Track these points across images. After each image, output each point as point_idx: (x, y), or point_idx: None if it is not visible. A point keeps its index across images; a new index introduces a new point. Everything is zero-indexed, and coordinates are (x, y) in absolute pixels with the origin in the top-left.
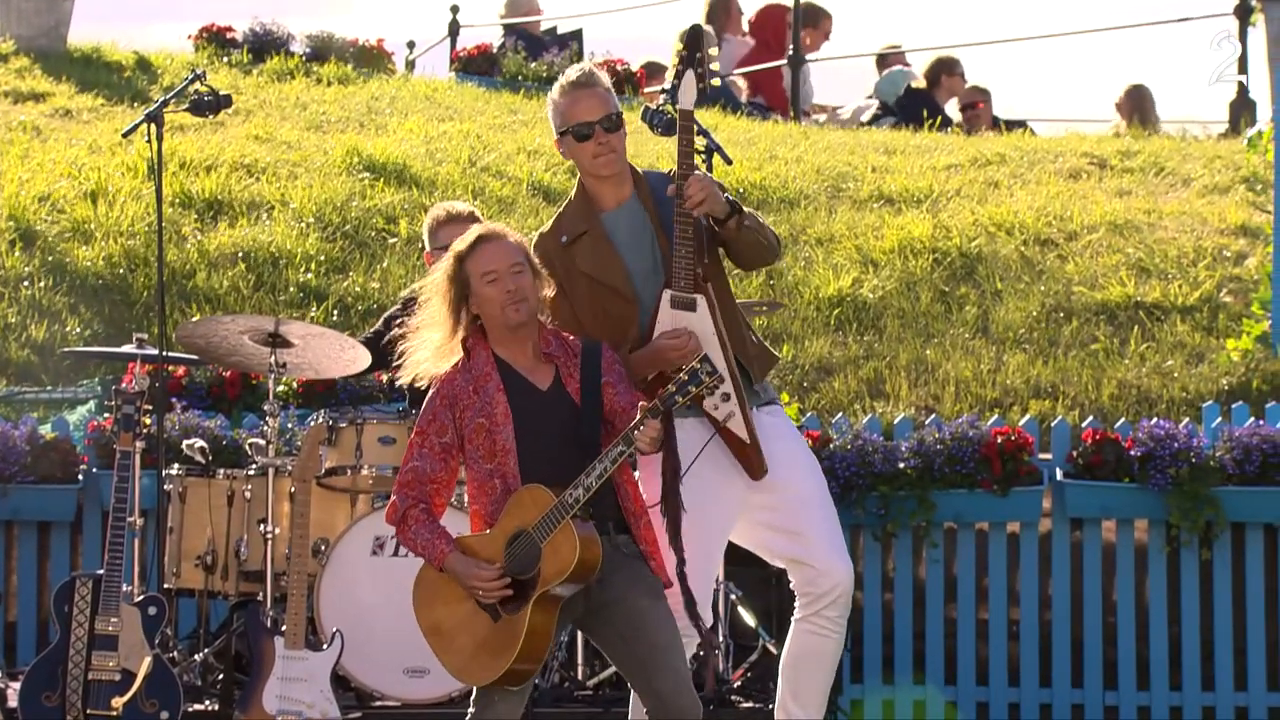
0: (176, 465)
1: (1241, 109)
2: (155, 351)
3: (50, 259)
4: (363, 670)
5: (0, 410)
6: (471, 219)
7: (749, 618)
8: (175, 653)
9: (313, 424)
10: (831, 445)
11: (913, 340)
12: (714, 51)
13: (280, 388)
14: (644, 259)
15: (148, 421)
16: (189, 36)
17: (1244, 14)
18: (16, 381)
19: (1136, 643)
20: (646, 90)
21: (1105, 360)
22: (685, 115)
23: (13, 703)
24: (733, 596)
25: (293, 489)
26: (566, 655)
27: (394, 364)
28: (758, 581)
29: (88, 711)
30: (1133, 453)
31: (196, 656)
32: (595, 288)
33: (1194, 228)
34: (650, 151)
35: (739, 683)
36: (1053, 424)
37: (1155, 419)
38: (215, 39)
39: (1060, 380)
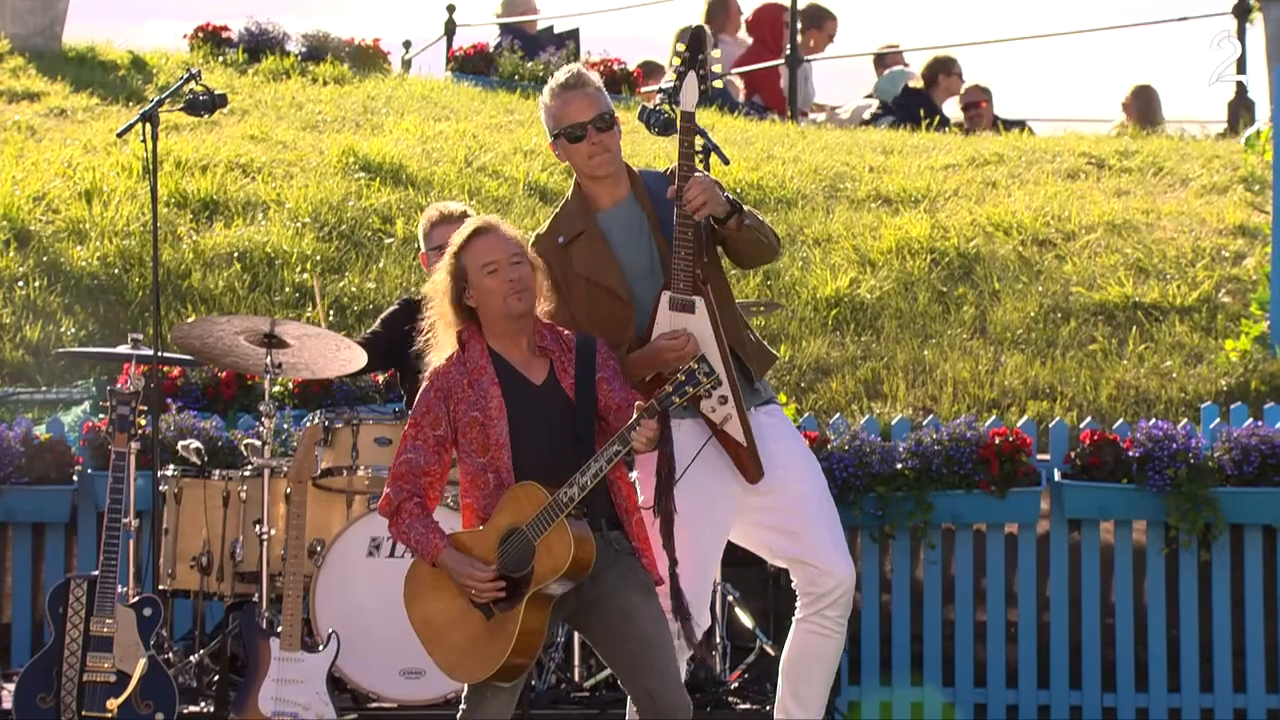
0: (172, 466)
1: (1240, 109)
2: (150, 352)
3: (45, 259)
4: (359, 671)
5: None
6: (466, 219)
7: (746, 619)
8: (170, 654)
9: (308, 425)
10: (829, 446)
11: (910, 341)
12: (716, 53)
13: (276, 388)
14: (640, 259)
15: (143, 422)
16: (184, 36)
17: (1242, 13)
18: (11, 382)
19: (1135, 644)
20: (643, 90)
21: (1103, 361)
22: (686, 117)
23: (7, 704)
24: (730, 598)
25: (288, 490)
26: (563, 657)
27: (419, 371)
28: (755, 582)
29: (82, 713)
30: (1131, 454)
31: (192, 658)
32: (591, 288)
33: (1192, 228)
34: (647, 151)
35: (736, 684)
36: (1051, 425)
37: (1153, 420)
38: (210, 38)
39: (1058, 381)
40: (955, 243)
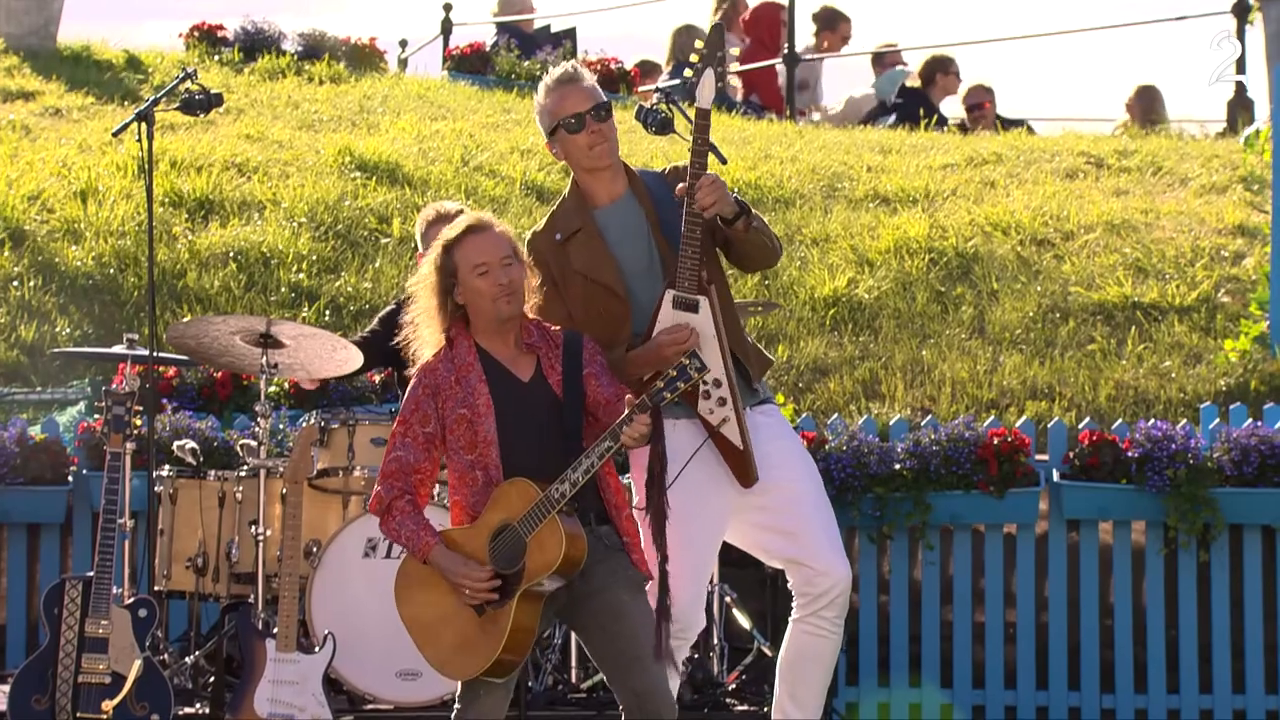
0: (167, 467)
1: (1239, 108)
2: (146, 352)
3: (40, 259)
4: (355, 673)
5: None
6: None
7: (744, 620)
8: (166, 655)
9: (304, 425)
10: (827, 446)
11: (909, 341)
12: (735, 51)
13: (272, 389)
14: (638, 257)
15: (138, 422)
16: (180, 35)
17: (1241, 13)
18: (6, 382)
19: (1134, 645)
20: (641, 89)
21: (1102, 361)
22: (702, 114)
23: (2, 706)
24: (728, 599)
25: (284, 490)
26: (560, 658)
27: (406, 367)
28: (753, 583)
29: (77, 715)
30: (1130, 454)
31: (187, 659)
32: (589, 285)
33: (1191, 227)
34: (645, 150)
35: (734, 685)
36: (1049, 425)
37: (1153, 420)
38: (206, 37)
39: (1057, 381)
40: (954, 242)
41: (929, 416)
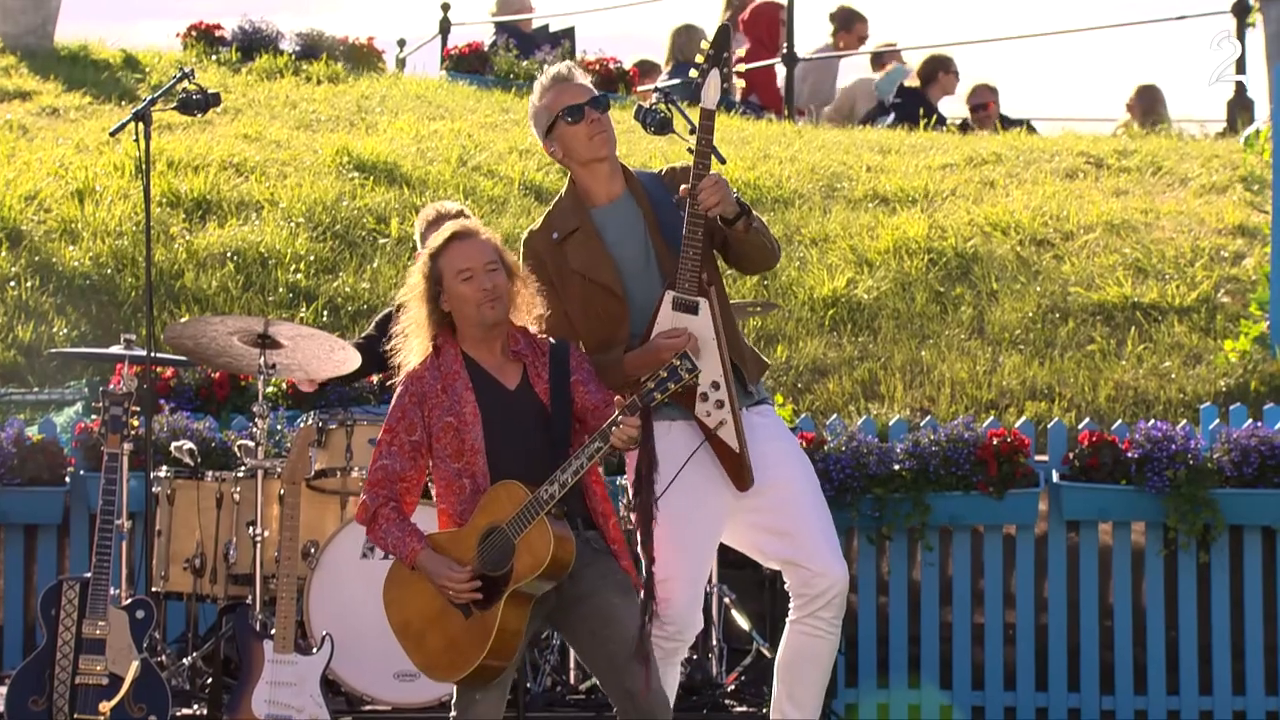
0: (165, 467)
1: (1239, 108)
2: (143, 352)
3: (37, 259)
4: (353, 674)
5: None
6: (462, 219)
7: (743, 621)
8: (163, 656)
9: (302, 426)
10: (826, 447)
11: (908, 341)
12: (741, 52)
13: (269, 389)
14: (636, 257)
15: (135, 423)
16: (177, 34)
17: (1242, 13)
18: (3, 383)
19: (1134, 646)
20: (639, 89)
21: (1102, 361)
22: (706, 115)
23: None
24: (726, 600)
25: (282, 491)
26: (559, 659)
27: (392, 372)
28: (752, 584)
29: (75, 716)
30: (1130, 455)
31: (185, 660)
32: (587, 285)
33: (1191, 228)
34: (644, 150)
35: (733, 686)
36: (1049, 426)
37: (1152, 421)
38: (204, 37)
39: (1057, 382)
40: (953, 243)
41: (928, 417)
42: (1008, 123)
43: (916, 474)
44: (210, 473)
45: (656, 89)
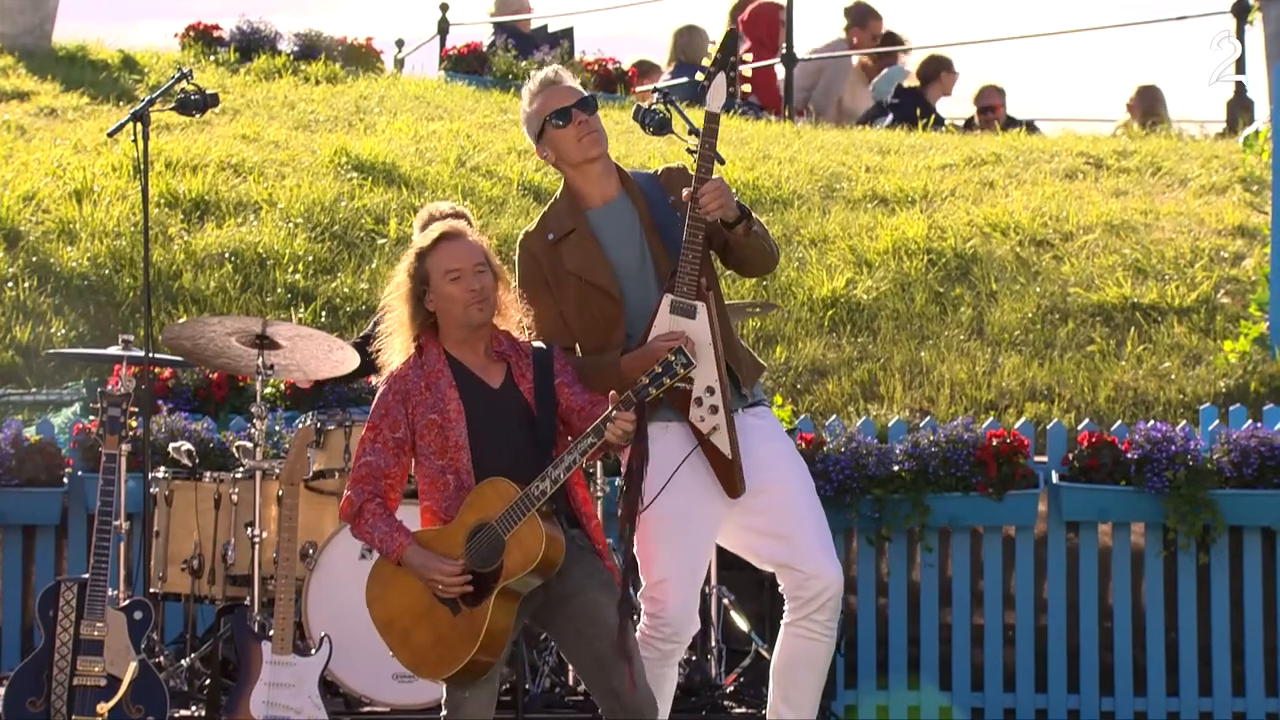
0: (163, 468)
1: (1239, 109)
2: (141, 353)
3: (35, 259)
4: (351, 675)
5: None
6: (459, 219)
7: (741, 622)
8: (161, 658)
9: (300, 427)
10: (825, 448)
11: (907, 342)
12: (748, 56)
13: (268, 390)
14: (632, 258)
15: (134, 424)
16: (175, 35)
17: (1241, 13)
18: (1, 384)
19: (1133, 647)
20: (638, 89)
21: (1101, 362)
22: (711, 119)
23: None
24: (725, 601)
25: (280, 492)
26: (557, 660)
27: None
28: (750, 585)
29: (73, 717)
30: (1129, 455)
31: (183, 661)
32: (583, 286)
33: (1191, 228)
34: (642, 151)
35: (732, 688)
36: (1049, 426)
37: (1152, 421)
38: (202, 37)
39: (1056, 382)
40: (952, 243)
41: (927, 418)
42: (1011, 123)
43: (916, 475)
44: (208, 473)
45: (656, 89)
